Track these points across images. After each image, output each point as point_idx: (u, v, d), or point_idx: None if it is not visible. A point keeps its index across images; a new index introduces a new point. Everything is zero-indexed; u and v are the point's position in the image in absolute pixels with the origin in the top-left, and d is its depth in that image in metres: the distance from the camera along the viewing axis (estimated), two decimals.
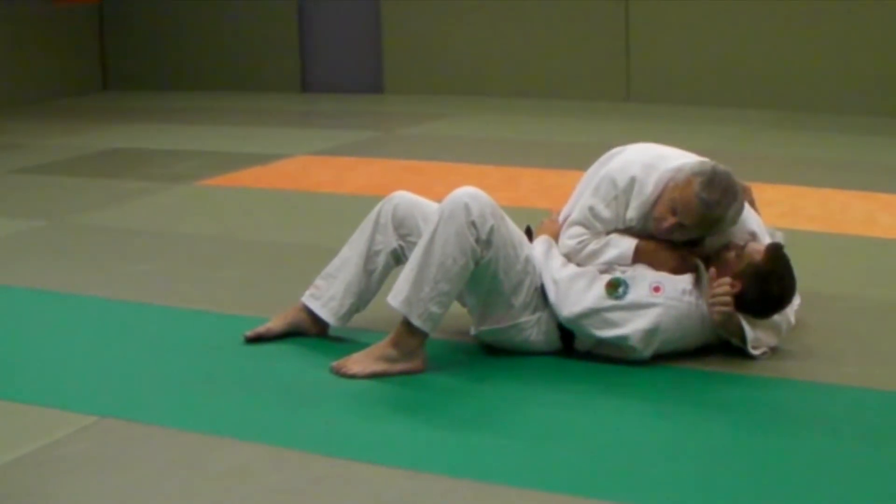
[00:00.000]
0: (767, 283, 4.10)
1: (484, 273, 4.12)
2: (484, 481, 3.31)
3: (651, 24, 11.10)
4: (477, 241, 4.04)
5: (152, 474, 3.39)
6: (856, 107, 10.23)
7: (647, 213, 4.22)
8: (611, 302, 4.10)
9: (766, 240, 4.30)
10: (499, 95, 11.55)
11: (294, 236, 6.24)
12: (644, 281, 4.12)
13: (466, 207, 4.05)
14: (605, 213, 4.22)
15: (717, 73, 10.85)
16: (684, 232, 4.18)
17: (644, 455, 3.49)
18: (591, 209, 4.23)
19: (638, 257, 4.20)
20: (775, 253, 4.13)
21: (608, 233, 4.25)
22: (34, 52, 12.23)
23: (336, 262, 4.48)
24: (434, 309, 4.05)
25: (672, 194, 4.14)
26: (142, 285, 5.30)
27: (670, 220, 4.15)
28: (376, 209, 4.47)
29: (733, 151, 8.25)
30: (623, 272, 4.17)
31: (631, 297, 4.10)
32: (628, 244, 4.22)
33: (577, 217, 4.28)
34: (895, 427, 3.69)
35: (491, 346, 4.30)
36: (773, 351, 4.24)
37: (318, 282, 4.48)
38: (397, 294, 4.09)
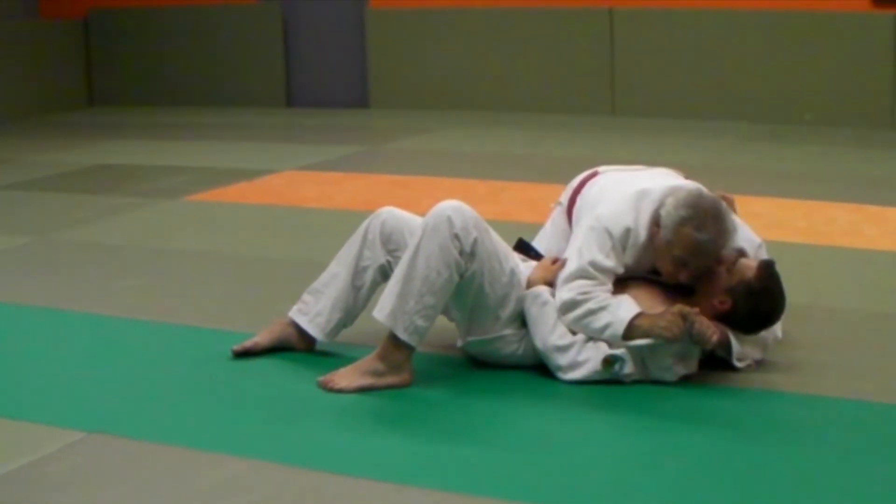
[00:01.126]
0: (758, 301, 4.09)
1: (469, 286, 4.13)
2: (472, 495, 3.31)
3: (636, 38, 11.13)
4: (461, 253, 4.06)
5: (140, 489, 3.39)
6: (840, 119, 10.28)
7: (643, 256, 4.18)
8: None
9: (759, 252, 4.30)
10: (484, 109, 11.57)
11: (281, 251, 6.24)
12: (639, 365, 4.08)
13: (449, 220, 4.06)
14: (607, 262, 4.11)
15: (702, 86, 10.88)
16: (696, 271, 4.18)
17: (629, 467, 3.51)
18: (593, 263, 4.10)
19: (631, 331, 4.03)
20: (767, 271, 4.10)
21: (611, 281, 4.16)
22: (20, 69, 12.22)
23: (324, 277, 4.49)
24: (420, 322, 4.06)
25: (672, 252, 4.08)
26: (129, 301, 5.30)
27: (684, 274, 4.13)
28: (364, 225, 4.47)
29: (718, 165, 8.29)
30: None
31: (627, 371, 4.09)
32: (625, 314, 4.05)
33: (577, 271, 4.13)
34: (881, 439, 3.71)
35: (477, 359, 4.31)
36: (758, 364, 4.25)
37: (306, 297, 4.48)
38: (382, 308, 4.11)
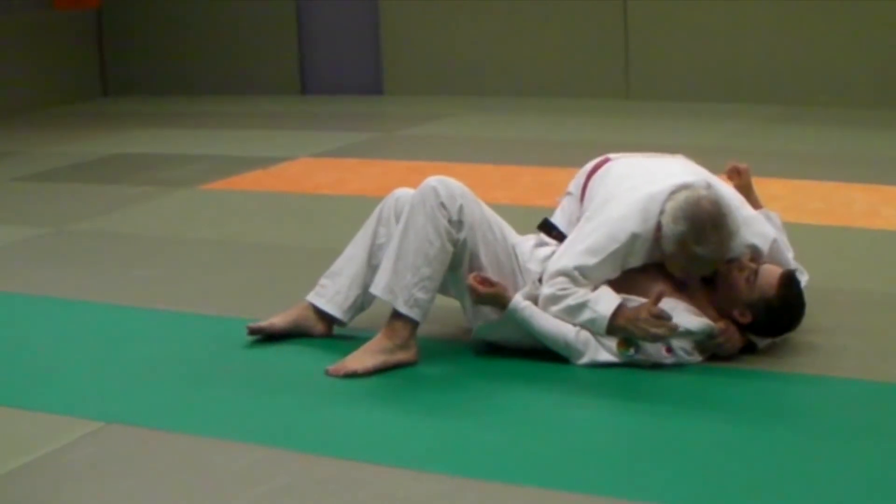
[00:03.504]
0: (778, 316, 4.10)
1: (462, 256, 4.18)
2: (490, 480, 3.31)
3: (649, 21, 11.09)
4: (449, 221, 4.13)
5: (158, 478, 3.39)
6: (856, 100, 10.23)
7: (654, 253, 4.14)
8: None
9: (773, 246, 4.25)
10: (498, 95, 11.55)
11: (296, 239, 6.24)
12: (657, 343, 4.06)
13: (435, 191, 4.16)
14: (598, 268, 4.08)
15: (717, 68, 10.84)
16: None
17: (646, 452, 3.50)
18: (580, 268, 4.07)
19: (615, 321, 4.02)
20: (788, 286, 4.08)
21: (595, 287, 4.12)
22: (34, 60, 12.23)
23: (340, 261, 4.51)
24: (419, 294, 4.11)
25: (678, 264, 4.07)
26: (145, 290, 5.30)
27: (693, 278, 4.14)
28: (379, 206, 4.50)
29: (735, 147, 8.25)
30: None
31: (643, 354, 4.07)
32: (606, 307, 4.03)
33: (564, 269, 4.10)
34: None
35: (495, 345, 4.29)
36: (777, 343, 4.23)
37: (323, 280, 4.50)
38: (378, 283, 4.18)
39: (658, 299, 3.98)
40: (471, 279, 4.12)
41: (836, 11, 10.35)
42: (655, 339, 3.99)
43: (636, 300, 4.09)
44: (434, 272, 4.13)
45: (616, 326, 4.03)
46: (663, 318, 3.95)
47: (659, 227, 4.07)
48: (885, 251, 5.65)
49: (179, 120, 11.12)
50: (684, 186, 4.13)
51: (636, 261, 4.14)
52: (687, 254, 4.03)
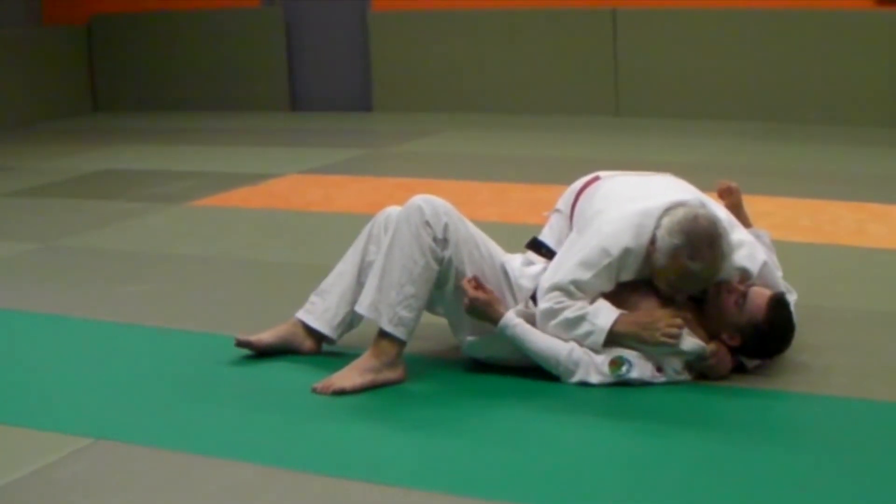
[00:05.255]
0: (767, 340, 4.11)
1: (448, 274, 4.18)
2: (479, 498, 3.31)
3: (639, 39, 11.13)
4: (434, 239, 4.14)
5: (147, 495, 3.39)
6: (844, 118, 10.27)
7: (644, 270, 4.14)
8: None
9: (763, 270, 4.25)
10: (487, 111, 11.57)
11: (285, 255, 6.24)
12: (648, 363, 4.07)
13: (420, 209, 4.16)
14: (591, 282, 4.08)
15: (706, 85, 10.88)
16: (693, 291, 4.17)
17: (634, 470, 3.50)
18: (575, 282, 4.08)
19: (617, 327, 4.04)
20: (777, 310, 4.08)
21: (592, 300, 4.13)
22: (24, 76, 12.24)
23: (330, 278, 4.51)
24: (403, 313, 4.10)
25: (667, 276, 4.07)
26: (135, 307, 5.30)
27: (680, 296, 4.13)
28: (369, 224, 4.51)
29: (723, 164, 8.28)
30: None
31: (635, 374, 4.08)
32: (605, 319, 4.05)
33: (559, 283, 4.10)
34: (888, 438, 3.70)
35: (484, 362, 4.29)
36: (766, 363, 4.24)
37: (313, 298, 4.51)
38: (362, 301, 4.19)
39: (678, 314, 4.02)
40: (465, 282, 4.13)
41: (825, 28, 10.40)
42: (663, 346, 4.00)
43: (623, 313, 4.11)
44: (419, 291, 4.13)
45: (619, 333, 4.03)
46: (677, 329, 3.98)
47: (653, 241, 4.07)
48: (872, 268, 5.66)
49: (169, 136, 11.12)
50: (681, 203, 4.14)
51: (626, 275, 4.14)
52: (679, 268, 4.02)
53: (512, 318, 4.11)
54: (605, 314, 4.06)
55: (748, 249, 4.25)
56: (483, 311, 4.13)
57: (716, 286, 4.12)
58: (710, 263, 4.03)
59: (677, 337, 3.99)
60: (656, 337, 4.01)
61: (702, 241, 4.01)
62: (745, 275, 4.17)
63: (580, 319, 4.05)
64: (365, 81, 12.35)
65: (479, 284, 4.14)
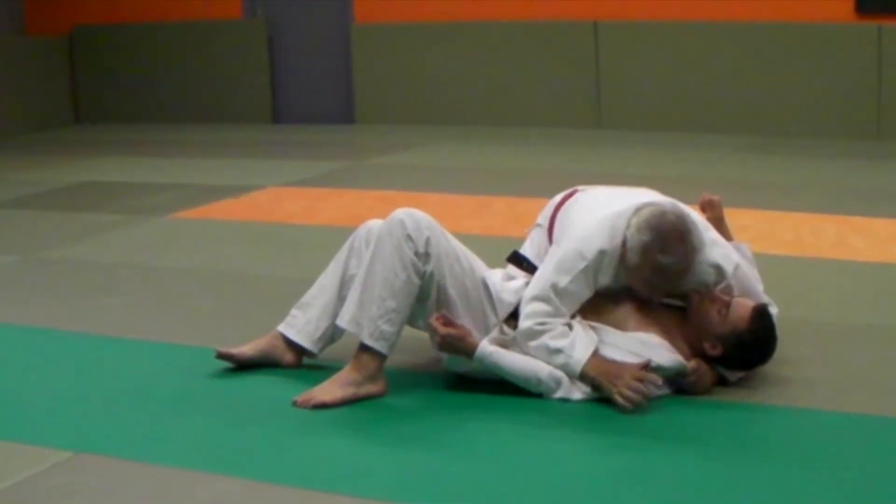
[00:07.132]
0: (749, 350, 4.11)
1: (429, 288, 4.17)
2: None
3: (621, 51, 11.14)
4: (416, 253, 4.12)
5: None
6: (826, 131, 10.30)
7: (621, 275, 4.16)
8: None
9: (737, 273, 4.26)
10: (470, 124, 11.57)
11: (267, 268, 6.23)
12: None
13: (401, 223, 4.15)
14: (570, 287, 4.09)
15: (687, 99, 10.90)
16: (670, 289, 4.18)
17: (615, 484, 3.49)
18: (554, 287, 4.09)
19: (587, 369, 4.02)
20: (760, 321, 4.09)
21: (572, 315, 4.14)
22: (4, 86, 12.18)
23: (311, 291, 4.51)
24: (385, 327, 4.10)
25: (642, 274, 4.08)
26: (115, 319, 5.28)
27: (657, 294, 4.15)
28: (351, 237, 4.50)
29: (704, 177, 8.30)
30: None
31: None
32: (580, 355, 4.03)
33: (539, 292, 4.12)
34: (870, 451, 3.70)
35: (466, 376, 4.28)
36: (748, 376, 4.25)
37: (294, 311, 4.50)
38: (343, 315, 4.18)
39: (645, 366, 3.97)
40: (433, 320, 4.12)
41: (806, 41, 10.43)
42: (617, 405, 3.96)
43: (605, 329, 4.10)
44: (400, 304, 4.12)
45: (588, 377, 4.03)
46: (643, 386, 3.94)
47: (625, 241, 4.08)
48: (854, 282, 5.68)
49: (151, 148, 11.09)
50: (650, 203, 4.17)
51: (604, 279, 4.16)
52: (651, 264, 4.03)
53: (486, 348, 4.10)
54: (581, 347, 4.05)
55: (722, 249, 4.27)
56: (456, 346, 4.11)
57: (699, 294, 4.12)
58: (681, 257, 4.04)
59: (633, 401, 3.94)
60: (614, 392, 3.96)
61: (670, 234, 4.02)
62: (720, 273, 4.18)
63: (558, 350, 4.04)
64: (347, 94, 12.35)
65: (447, 321, 4.13)
